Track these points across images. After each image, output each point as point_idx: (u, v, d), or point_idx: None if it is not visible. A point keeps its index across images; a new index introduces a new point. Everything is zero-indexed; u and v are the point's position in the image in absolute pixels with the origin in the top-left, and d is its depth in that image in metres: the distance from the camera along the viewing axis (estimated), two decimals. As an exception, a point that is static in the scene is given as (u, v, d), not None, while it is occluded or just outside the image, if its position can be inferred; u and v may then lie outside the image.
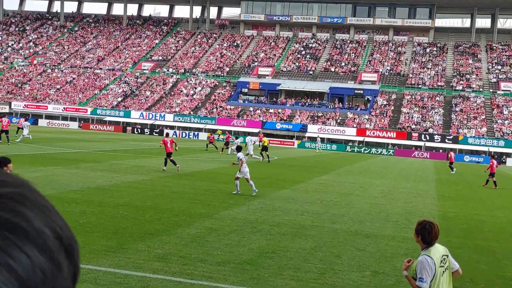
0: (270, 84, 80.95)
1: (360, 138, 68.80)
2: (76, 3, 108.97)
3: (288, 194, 19.91)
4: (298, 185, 22.98)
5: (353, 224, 14.52)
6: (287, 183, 23.58)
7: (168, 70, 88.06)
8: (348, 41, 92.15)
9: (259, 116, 75.02)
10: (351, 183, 25.71)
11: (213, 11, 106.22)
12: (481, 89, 77.36)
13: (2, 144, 33.24)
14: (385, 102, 75.87)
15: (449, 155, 42.07)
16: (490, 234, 14.63)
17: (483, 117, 71.33)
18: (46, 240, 0.62)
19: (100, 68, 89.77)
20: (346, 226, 14.17)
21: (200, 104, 79.21)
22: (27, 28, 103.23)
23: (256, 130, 71.76)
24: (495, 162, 30.73)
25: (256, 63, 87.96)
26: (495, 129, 68.52)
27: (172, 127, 73.97)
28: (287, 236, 12.34)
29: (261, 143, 41.04)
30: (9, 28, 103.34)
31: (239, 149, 20.35)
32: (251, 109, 76.80)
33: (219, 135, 57.93)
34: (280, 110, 76.14)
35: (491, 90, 77.10)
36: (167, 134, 28.04)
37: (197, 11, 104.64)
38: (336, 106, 76.27)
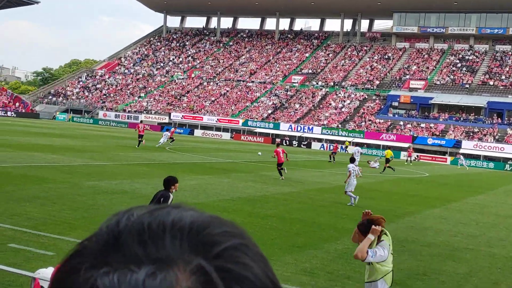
0: (422, 97, 78.24)
1: (521, 156, 63.92)
2: (232, 19, 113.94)
3: (440, 213, 19.02)
4: (451, 204, 21.88)
5: (513, 250, 13.49)
6: (438, 201, 22.54)
7: (317, 83, 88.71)
8: (510, 53, 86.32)
9: (410, 130, 72.75)
10: (510, 205, 23.95)
11: (364, 24, 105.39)
12: None
13: (139, 148, 35.55)
14: (550, 118, 69.85)
15: None
16: None
17: None
18: None
19: (252, 81, 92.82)
20: (505, 251, 13.19)
21: (348, 117, 78.72)
22: (187, 43, 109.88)
23: (406, 145, 69.59)
24: None
25: (407, 76, 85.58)
26: None
27: (319, 140, 74.29)
28: (439, 258, 11.77)
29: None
30: (171, 43, 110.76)
31: (352, 160, 20.04)
32: (401, 123, 74.74)
33: (347, 146, 58.07)
34: (432, 125, 73.23)
35: None
36: (278, 144, 29.81)
37: (348, 24, 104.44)
38: (494, 121, 71.66)
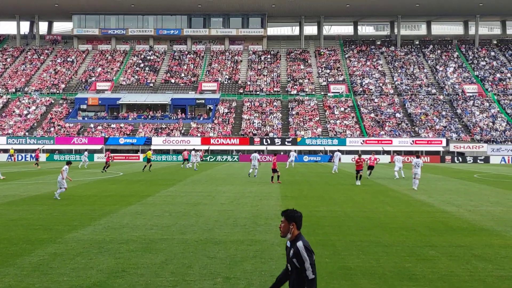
0: (110, 99, 79.00)
1: (205, 147, 69.63)
2: None
3: (136, 209, 19.56)
4: (145, 199, 22.67)
5: (202, 233, 14.64)
6: (134, 198, 23.15)
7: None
8: (186, 52, 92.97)
9: (101, 132, 72.82)
10: (198, 192, 25.90)
11: (43, 26, 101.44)
12: (313, 92, 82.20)
13: None
14: (226, 110, 77.59)
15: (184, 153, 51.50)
16: (330, 229, 15.56)
17: (317, 118, 75.80)
18: None
19: None
20: (196, 236, 14.25)
21: (36, 124, 74.99)
22: None
23: (99, 147, 69.62)
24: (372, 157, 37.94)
25: (93, 78, 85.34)
26: (328, 129, 73.14)
27: (5, 151, 69.17)
28: (136, 252, 12.12)
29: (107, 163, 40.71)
30: None
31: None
32: (92, 125, 74.31)
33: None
34: (122, 125, 74.56)
35: (322, 93, 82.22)
36: None
37: (25, 26, 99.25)
38: (179, 117, 76.48)
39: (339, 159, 45.80)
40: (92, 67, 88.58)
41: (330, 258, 11.67)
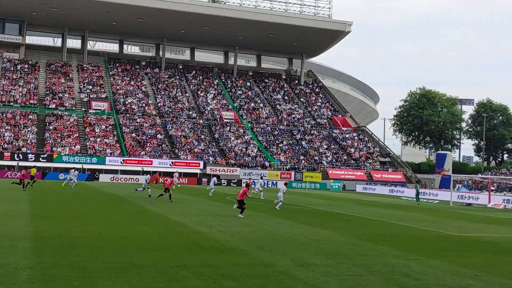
0: None
1: None
2: None
3: None
4: None
5: None
6: None
7: None
8: None
9: None
10: None
11: None
12: (74, 108, 79.19)
13: None
14: (-27, 120, 70.41)
15: None
16: (83, 250, 14.97)
17: (77, 135, 73.08)
18: None
19: None
20: None
21: None
22: None
23: None
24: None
25: None
26: (88, 147, 70.97)
27: None
28: None
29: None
30: None
31: None
32: None
33: None
34: None
35: (83, 109, 79.64)
36: None
37: None
38: None
39: (214, 183, 47.86)
40: None
41: (79, 281, 11.18)
